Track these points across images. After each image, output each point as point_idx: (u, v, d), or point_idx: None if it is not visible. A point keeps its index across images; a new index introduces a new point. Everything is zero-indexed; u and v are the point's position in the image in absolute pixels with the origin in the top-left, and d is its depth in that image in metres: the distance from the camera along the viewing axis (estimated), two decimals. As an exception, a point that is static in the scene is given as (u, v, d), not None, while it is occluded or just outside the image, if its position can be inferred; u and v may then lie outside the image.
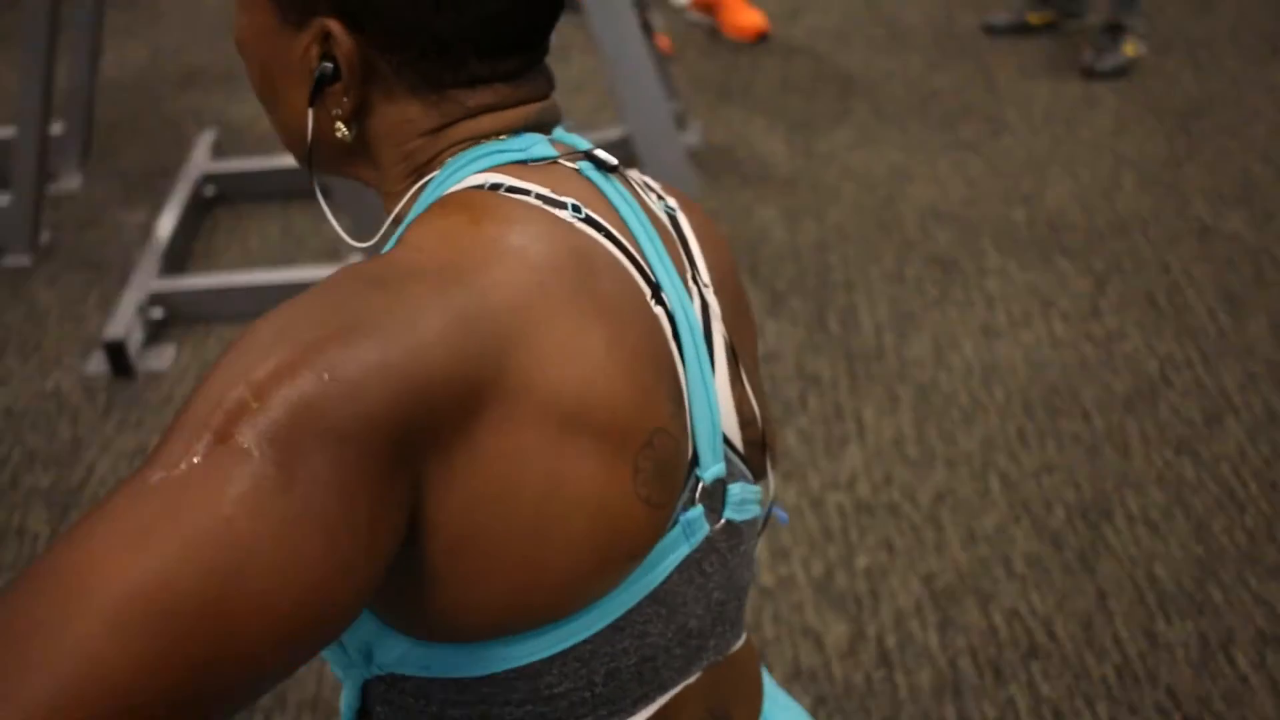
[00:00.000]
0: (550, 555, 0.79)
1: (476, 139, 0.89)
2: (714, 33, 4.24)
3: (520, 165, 0.88)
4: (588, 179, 0.91)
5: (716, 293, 0.96)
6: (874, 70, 3.98)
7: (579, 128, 3.56)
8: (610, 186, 0.91)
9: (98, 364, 2.72)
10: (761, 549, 2.21)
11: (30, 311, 2.95)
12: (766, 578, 2.16)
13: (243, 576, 0.67)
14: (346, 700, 0.91)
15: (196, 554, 0.66)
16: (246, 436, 0.69)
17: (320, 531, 0.70)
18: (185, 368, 2.71)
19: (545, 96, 0.92)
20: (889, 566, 2.19)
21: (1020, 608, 2.10)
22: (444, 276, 0.78)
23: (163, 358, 2.74)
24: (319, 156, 0.91)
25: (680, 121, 3.47)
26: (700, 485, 0.89)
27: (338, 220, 0.96)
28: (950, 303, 2.86)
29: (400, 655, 0.84)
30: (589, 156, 0.92)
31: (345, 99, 0.86)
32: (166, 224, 3.04)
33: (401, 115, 0.88)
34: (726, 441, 0.93)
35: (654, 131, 2.51)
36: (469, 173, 0.87)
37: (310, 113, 0.87)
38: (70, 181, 3.39)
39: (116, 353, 2.68)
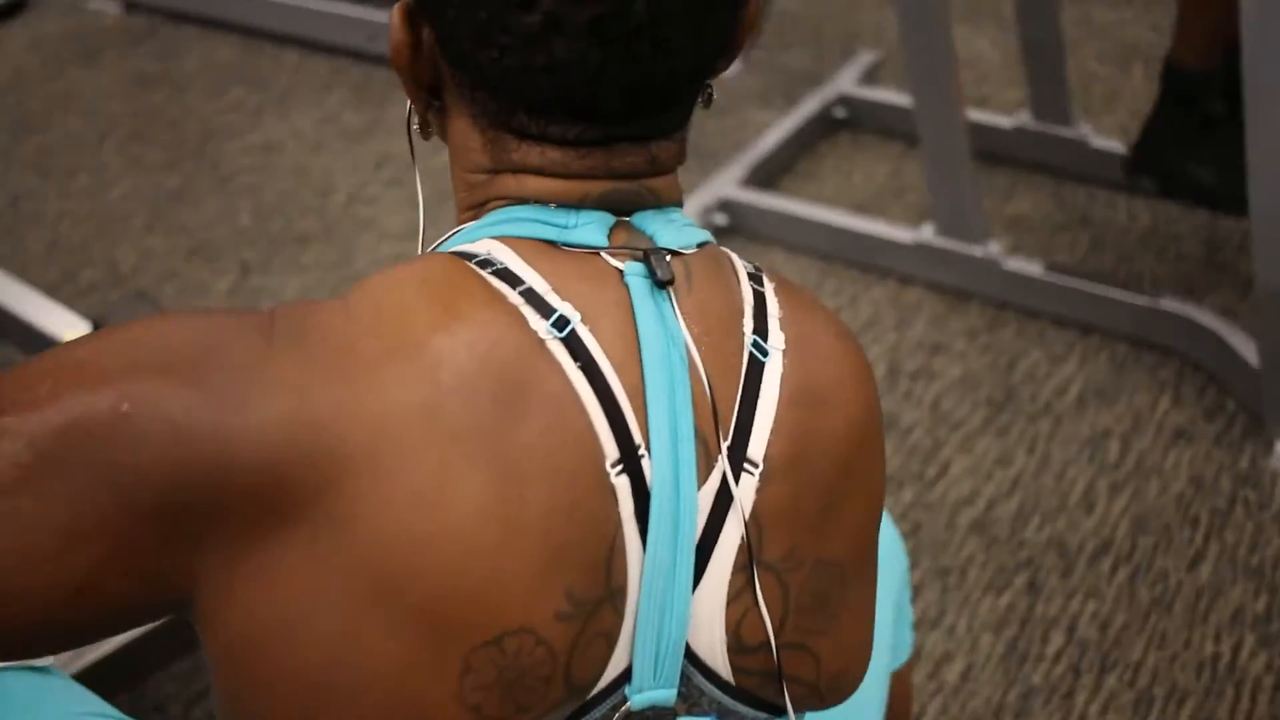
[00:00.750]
0: (334, 718, 0.65)
1: (523, 199, 0.75)
2: None
3: (546, 246, 0.73)
4: (626, 286, 0.72)
5: (779, 474, 0.73)
6: None
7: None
8: (650, 304, 0.71)
9: (644, 250, 2.73)
10: None
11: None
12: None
13: None
14: None
15: None
16: (13, 425, 0.63)
17: (11, 549, 0.62)
18: (721, 281, 2.65)
19: (634, 175, 0.75)
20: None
21: None
22: (332, 360, 0.66)
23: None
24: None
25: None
26: (625, 708, 0.70)
27: (425, 214, 0.85)
28: None
29: None
30: (646, 260, 0.72)
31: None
32: (777, 134, 2.97)
33: (466, 140, 0.77)
34: (698, 664, 0.71)
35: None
36: (489, 234, 0.74)
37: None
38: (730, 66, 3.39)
39: (662, 245, 2.66)
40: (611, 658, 0.69)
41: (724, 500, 0.71)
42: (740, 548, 0.71)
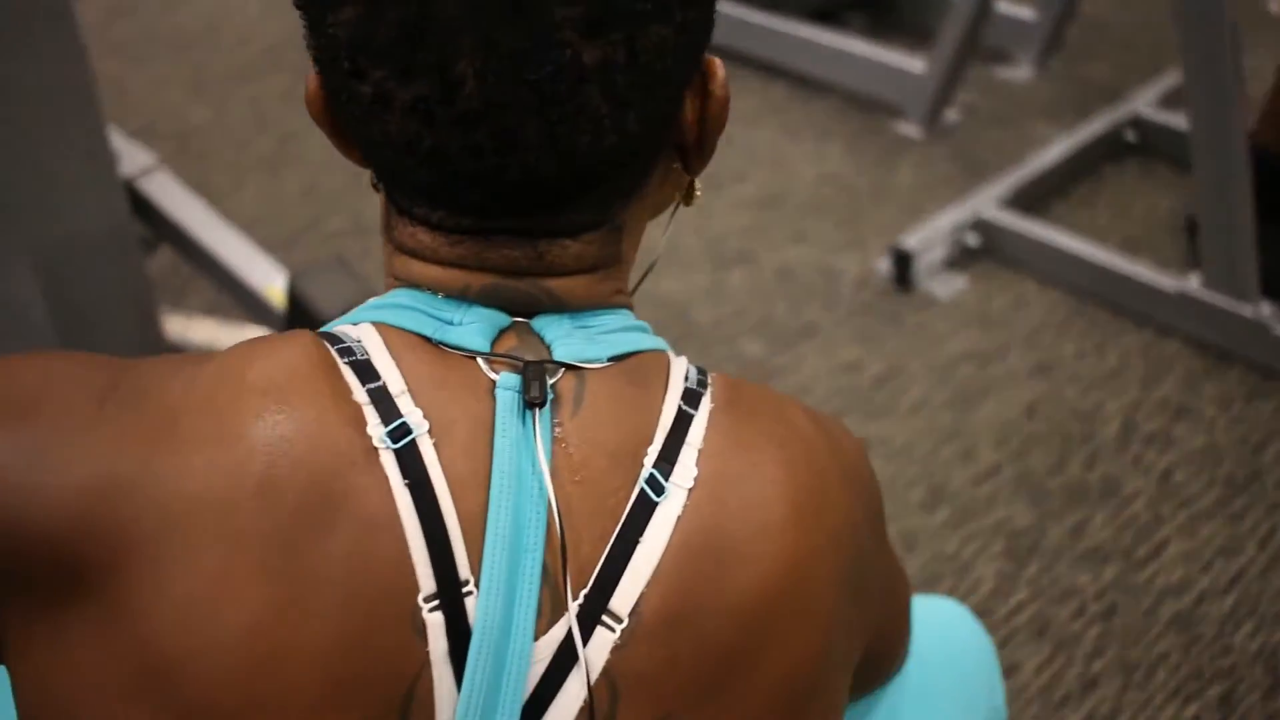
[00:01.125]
0: None
1: (414, 283, 0.70)
2: None
3: (423, 341, 0.67)
4: (494, 398, 0.65)
5: (653, 631, 0.64)
6: None
7: None
8: (517, 424, 0.64)
9: (885, 263, 2.58)
10: None
11: (880, 184, 2.85)
12: None
13: None
14: None
15: None
16: None
17: None
18: (962, 307, 2.49)
19: (518, 272, 0.68)
20: None
21: None
22: (151, 435, 0.61)
23: (948, 286, 2.53)
24: None
25: None
26: None
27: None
28: None
29: None
30: (529, 371, 0.66)
31: None
32: (1057, 151, 2.76)
33: (385, 205, 0.73)
34: None
35: None
36: (373, 317, 0.69)
37: None
38: (1018, 71, 3.17)
39: (902, 262, 2.51)
40: None
41: (570, 654, 0.62)
42: (583, 709, 0.62)
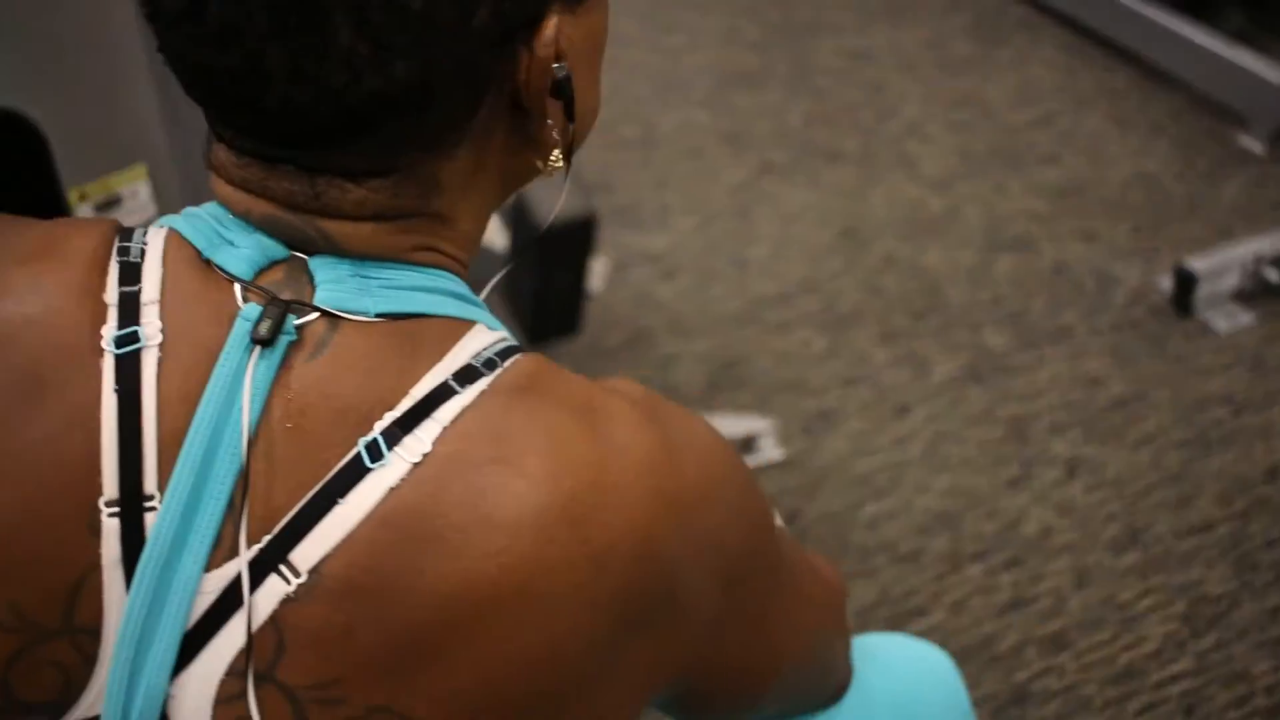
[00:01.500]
0: None
1: (215, 197, 0.70)
2: None
3: (198, 256, 0.67)
4: (230, 327, 0.65)
5: (332, 595, 0.63)
6: None
7: None
8: (242, 358, 0.64)
9: (1168, 281, 2.38)
10: None
11: (1199, 195, 2.62)
12: None
13: None
14: None
15: None
16: None
17: None
18: (1237, 345, 2.27)
19: (295, 207, 0.67)
20: None
21: None
22: None
23: (1231, 319, 2.31)
24: None
25: None
26: None
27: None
28: None
29: None
30: (270, 308, 0.65)
31: None
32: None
33: None
34: None
35: None
36: (172, 223, 0.70)
37: None
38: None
39: (1185, 283, 2.31)
40: (79, 700, 0.63)
41: (240, 594, 0.62)
42: (240, 652, 0.62)
